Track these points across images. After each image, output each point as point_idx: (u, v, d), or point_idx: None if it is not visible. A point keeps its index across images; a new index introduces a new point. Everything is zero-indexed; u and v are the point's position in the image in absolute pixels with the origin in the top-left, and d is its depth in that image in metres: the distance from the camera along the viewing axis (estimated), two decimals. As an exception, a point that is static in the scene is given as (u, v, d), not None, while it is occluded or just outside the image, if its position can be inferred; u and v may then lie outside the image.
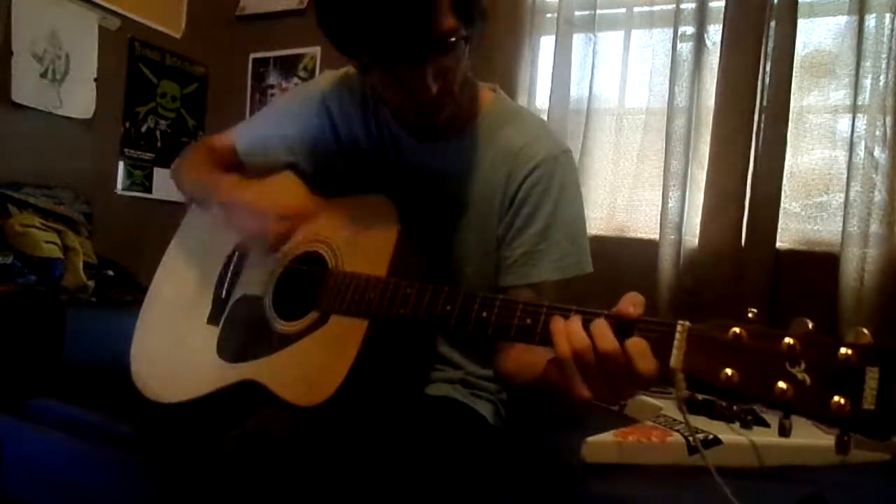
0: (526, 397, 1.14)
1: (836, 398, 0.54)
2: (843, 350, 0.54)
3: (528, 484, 1.06)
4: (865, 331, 0.55)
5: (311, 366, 0.86)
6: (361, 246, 0.91)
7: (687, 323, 0.62)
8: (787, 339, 0.56)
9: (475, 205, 0.99)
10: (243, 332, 0.99)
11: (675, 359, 0.61)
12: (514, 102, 1.08)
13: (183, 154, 1.21)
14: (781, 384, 0.56)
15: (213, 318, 1.04)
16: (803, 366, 0.56)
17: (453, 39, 0.82)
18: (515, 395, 1.12)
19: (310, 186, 1.06)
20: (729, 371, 0.58)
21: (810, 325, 0.57)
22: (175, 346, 1.06)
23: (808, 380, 0.56)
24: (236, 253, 1.08)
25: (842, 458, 1.17)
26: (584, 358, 0.64)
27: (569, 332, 0.65)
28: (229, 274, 1.06)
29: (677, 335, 0.62)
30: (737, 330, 0.59)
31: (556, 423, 1.33)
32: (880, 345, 0.54)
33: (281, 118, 1.12)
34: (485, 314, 0.74)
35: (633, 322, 0.64)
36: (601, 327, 0.64)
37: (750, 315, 0.60)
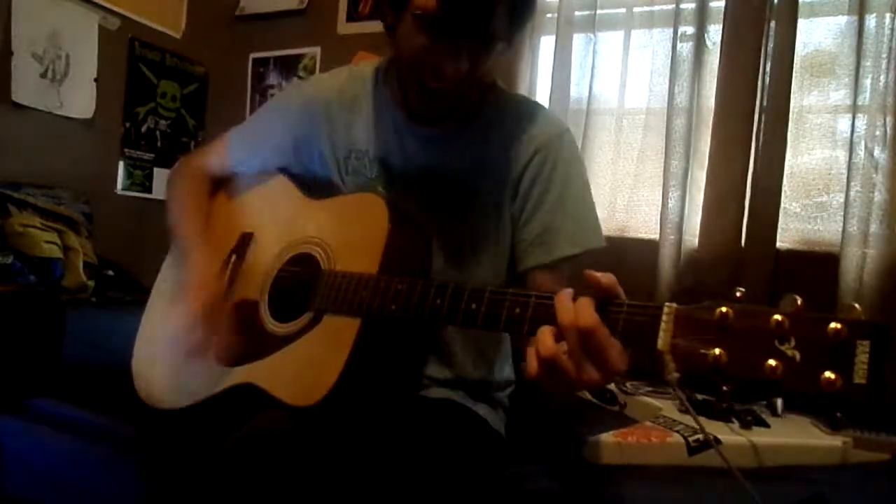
0: (527, 397, 1.15)
1: (826, 373, 0.53)
2: (833, 325, 0.53)
3: (528, 485, 1.06)
4: (857, 306, 0.55)
5: (305, 366, 0.87)
6: (353, 245, 0.92)
7: (674, 305, 0.62)
8: (776, 316, 0.56)
9: (483, 192, 1.00)
10: (239, 336, 0.99)
11: (663, 341, 0.61)
12: (511, 91, 1.09)
13: (173, 172, 1.21)
14: (771, 361, 0.55)
15: None
16: (793, 342, 0.55)
17: (498, 41, 0.87)
18: (516, 398, 1.12)
19: (302, 188, 1.06)
20: (717, 351, 0.58)
21: (799, 302, 0.57)
22: (173, 353, 1.06)
23: (798, 356, 0.55)
24: (233, 258, 1.08)
25: (843, 453, 1.17)
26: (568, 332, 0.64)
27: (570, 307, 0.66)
28: (226, 280, 1.06)
29: (664, 317, 0.61)
30: (723, 309, 0.58)
31: (557, 423, 1.33)
32: (871, 319, 0.53)
33: (273, 125, 1.11)
34: (474, 306, 0.74)
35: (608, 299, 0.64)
36: (584, 303, 0.64)
37: (737, 294, 0.60)
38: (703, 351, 0.59)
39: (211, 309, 0.98)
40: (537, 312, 0.70)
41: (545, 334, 0.66)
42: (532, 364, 0.66)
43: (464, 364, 1.03)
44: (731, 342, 0.58)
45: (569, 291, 0.66)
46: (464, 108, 0.99)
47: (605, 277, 0.66)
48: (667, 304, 0.62)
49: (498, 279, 1.01)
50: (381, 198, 0.93)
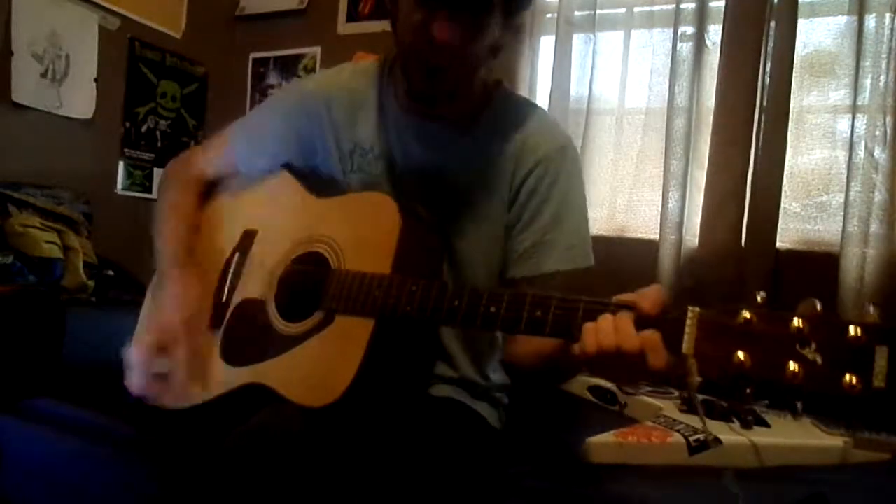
0: (527, 396, 1.14)
1: (847, 377, 0.54)
2: (852, 329, 0.55)
3: (528, 485, 1.06)
4: (872, 310, 0.56)
5: (318, 367, 0.86)
6: (364, 244, 0.91)
7: (697, 309, 0.63)
8: (797, 321, 0.57)
9: (482, 196, 0.99)
10: (247, 335, 0.98)
11: (687, 345, 0.62)
12: (519, 95, 1.08)
13: (164, 174, 1.19)
14: (793, 365, 0.56)
15: (214, 323, 1.04)
16: (814, 346, 0.57)
17: (492, 22, 0.87)
18: (516, 397, 1.12)
19: (307, 186, 1.06)
20: (740, 355, 0.59)
21: (818, 306, 0.58)
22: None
23: (818, 360, 0.56)
24: (236, 255, 1.07)
25: (843, 453, 1.17)
26: (606, 353, 0.66)
27: (598, 329, 0.67)
28: (229, 277, 1.06)
29: (688, 321, 0.62)
30: (746, 314, 0.60)
31: (557, 423, 1.33)
32: (889, 324, 0.55)
33: (275, 120, 1.11)
34: (493, 309, 0.74)
35: (650, 318, 0.65)
36: (625, 322, 0.66)
37: (759, 299, 0.61)
38: (726, 355, 0.60)
39: (175, 342, 0.96)
40: (558, 315, 0.70)
41: (629, 324, 0.66)
42: (616, 341, 0.66)
43: (463, 363, 1.03)
44: (754, 346, 0.59)
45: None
46: (467, 104, 0.99)
47: (651, 304, 0.66)
48: (690, 308, 0.63)
49: (490, 284, 1.01)
50: (391, 197, 0.92)
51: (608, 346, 0.66)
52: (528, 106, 1.07)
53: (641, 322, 0.66)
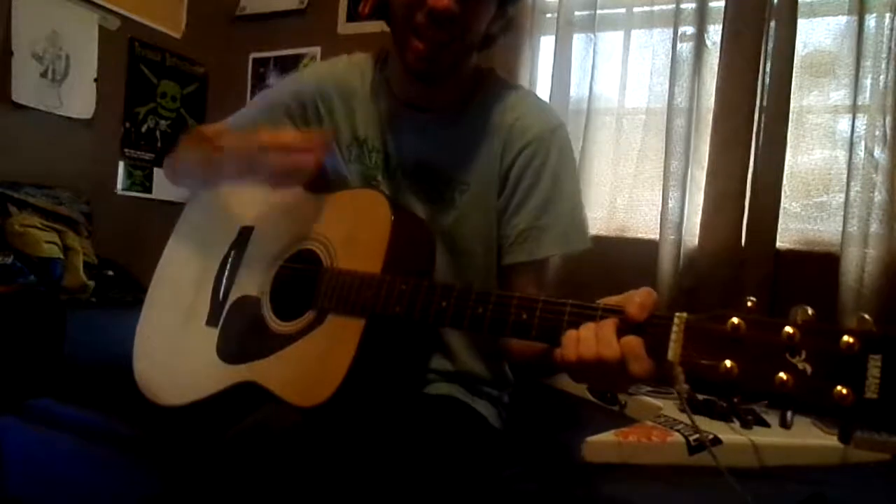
0: (526, 396, 1.15)
1: (838, 388, 0.52)
2: (845, 338, 0.52)
3: (528, 484, 1.06)
4: (868, 317, 0.53)
5: (309, 366, 0.86)
6: (355, 242, 0.91)
7: (685, 315, 0.61)
8: (787, 329, 0.55)
9: (475, 182, 0.99)
10: (242, 333, 0.99)
11: (673, 352, 0.60)
12: (508, 81, 1.08)
13: (173, 152, 1.20)
14: (781, 375, 0.54)
15: (211, 320, 1.04)
16: (804, 355, 0.54)
17: None
18: (516, 396, 1.12)
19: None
20: (728, 363, 0.57)
21: (810, 312, 0.55)
22: (175, 349, 1.06)
23: (808, 369, 0.54)
24: (232, 252, 1.07)
25: (843, 453, 1.17)
26: (586, 362, 0.65)
27: (579, 338, 0.66)
28: (226, 274, 1.06)
29: (674, 328, 0.61)
30: (735, 320, 0.58)
31: (557, 423, 1.34)
32: (883, 331, 0.52)
33: (273, 111, 1.10)
34: (480, 310, 0.74)
35: (635, 324, 0.64)
36: (607, 331, 0.64)
37: (749, 304, 0.59)
38: (714, 363, 0.58)
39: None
40: (544, 318, 0.69)
41: (611, 331, 0.64)
42: (597, 350, 0.64)
43: (464, 358, 1.03)
44: (743, 354, 0.57)
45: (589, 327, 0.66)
46: (459, 90, 0.99)
47: (638, 308, 0.64)
48: (677, 314, 0.61)
49: (490, 273, 1.01)
50: (383, 195, 0.93)
51: (588, 355, 0.64)
52: (518, 90, 1.06)
53: (627, 327, 0.64)
